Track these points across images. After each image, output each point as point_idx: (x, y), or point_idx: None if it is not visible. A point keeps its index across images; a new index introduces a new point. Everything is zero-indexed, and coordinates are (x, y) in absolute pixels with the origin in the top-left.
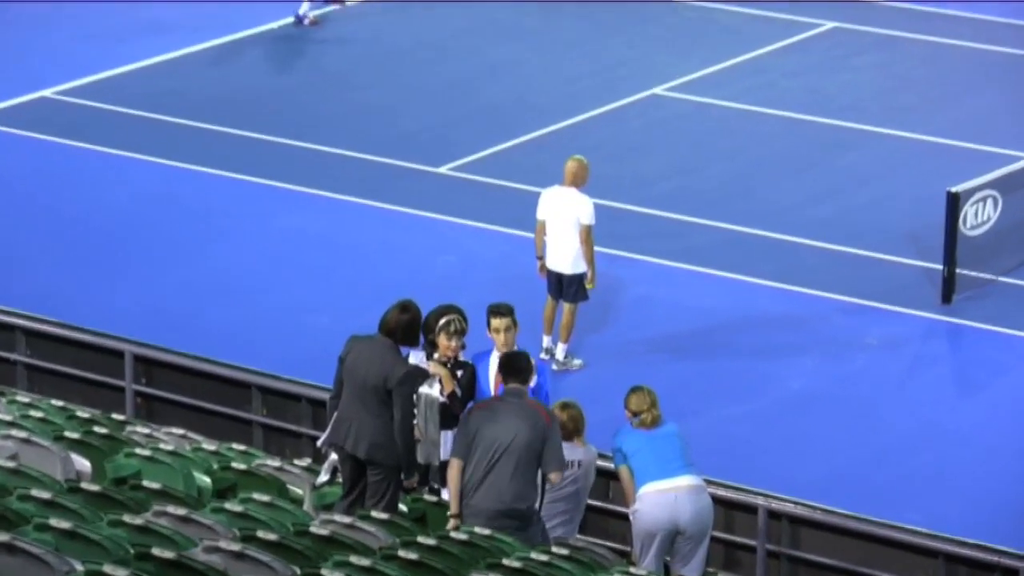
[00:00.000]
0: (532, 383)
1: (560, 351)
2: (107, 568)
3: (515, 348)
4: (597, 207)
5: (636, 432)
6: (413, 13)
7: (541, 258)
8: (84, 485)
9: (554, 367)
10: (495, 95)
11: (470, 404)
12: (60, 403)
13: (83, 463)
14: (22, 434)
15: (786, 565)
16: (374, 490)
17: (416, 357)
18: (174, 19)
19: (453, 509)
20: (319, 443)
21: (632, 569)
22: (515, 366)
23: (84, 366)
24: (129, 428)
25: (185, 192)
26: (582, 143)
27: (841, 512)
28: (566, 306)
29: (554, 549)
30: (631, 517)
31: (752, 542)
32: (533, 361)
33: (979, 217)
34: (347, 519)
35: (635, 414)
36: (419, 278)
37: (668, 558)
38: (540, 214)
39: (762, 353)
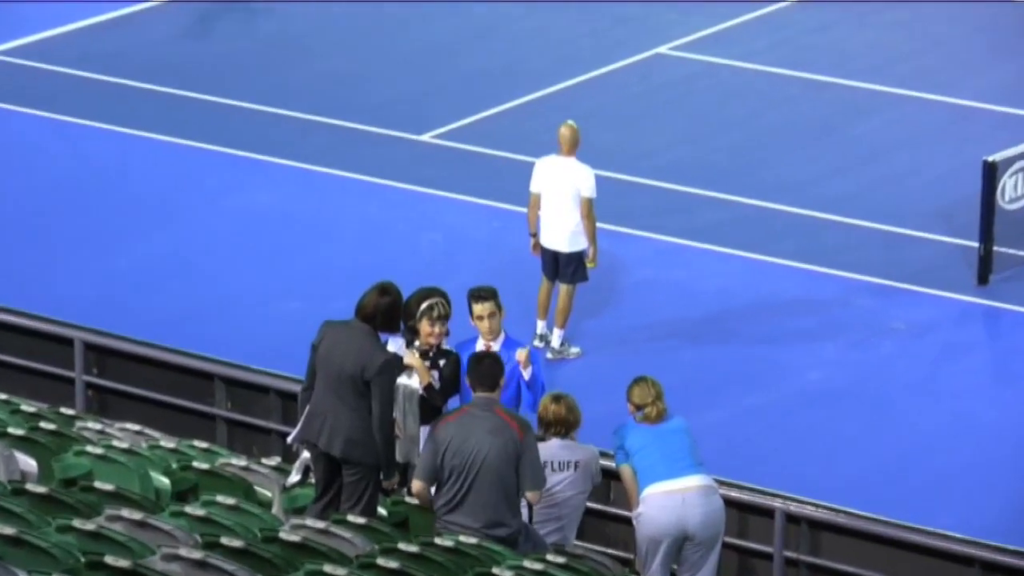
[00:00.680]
0: (502, 384)
1: (556, 338)
2: None
3: (502, 335)
4: (596, 179)
5: (640, 427)
6: None
7: (535, 235)
8: (29, 487)
9: (549, 355)
10: (481, 57)
11: (454, 402)
12: (2, 396)
13: (28, 462)
14: None
15: (805, 574)
16: (350, 492)
17: (395, 344)
18: None
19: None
20: (289, 440)
21: None
22: (482, 371)
23: (29, 355)
24: (79, 424)
25: (139, 162)
26: (578, 109)
27: (866, 515)
28: (563, 288)
29: (550, 557)
30: (634, 521)
31: (768, 549)
32: (503, 362)
33: (1019, 189)
34: (320, 524)
35: (638, 408)
36: (400, 258)
37: (675, 566)
38: (534, 186)
39: (778, 340)
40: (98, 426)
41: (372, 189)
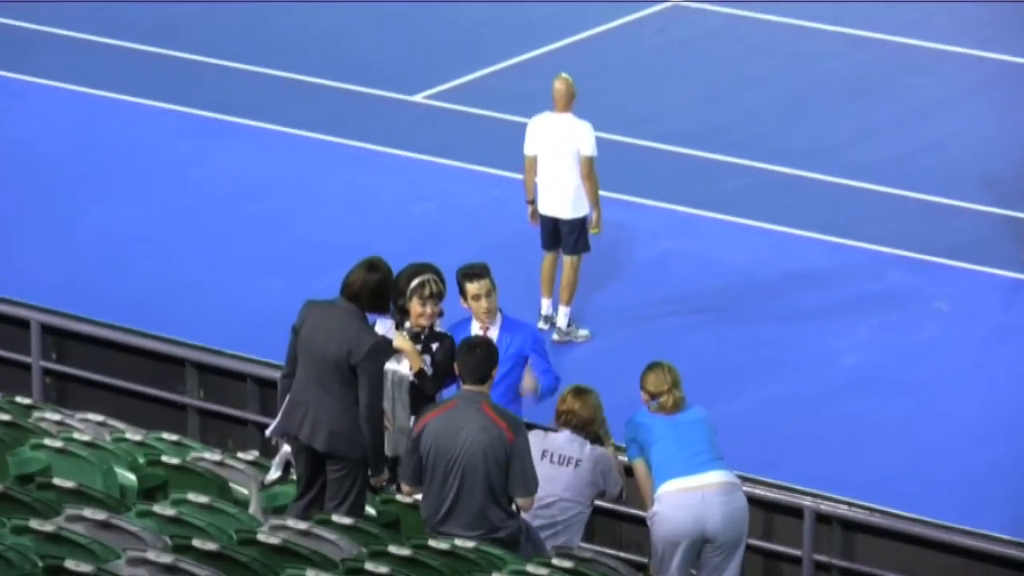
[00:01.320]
0: (494, 376)
1: (562, 316)
2: None
3: (499, 316)
4: (606, 144)
5: (654, 418)
6: None
7: (532, 202)
8: None
9: (555, 337)
10: (480, 9)
11: (445, 393)
12: None
13: None
14: None
15: None
16: (336, 489)
17: (383, 326)
18: None
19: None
20: (268, 432)
21: None
22: (472, 362)
23: None
24: (37, 414)
25: (104, 125)
26: (587, 66)
27: (904, 515)
28: (567, 260)
29: (555, 561)
30: (648, 521)
31: (797, 551)
32: (497, 353)
33: None
34: (303, 524)
35: (653, 396)
36: (390, 231)
37: (694, 571)
38: (529, 148)
39: (807, 322)
40: (57, 417)
41: (359, 155)
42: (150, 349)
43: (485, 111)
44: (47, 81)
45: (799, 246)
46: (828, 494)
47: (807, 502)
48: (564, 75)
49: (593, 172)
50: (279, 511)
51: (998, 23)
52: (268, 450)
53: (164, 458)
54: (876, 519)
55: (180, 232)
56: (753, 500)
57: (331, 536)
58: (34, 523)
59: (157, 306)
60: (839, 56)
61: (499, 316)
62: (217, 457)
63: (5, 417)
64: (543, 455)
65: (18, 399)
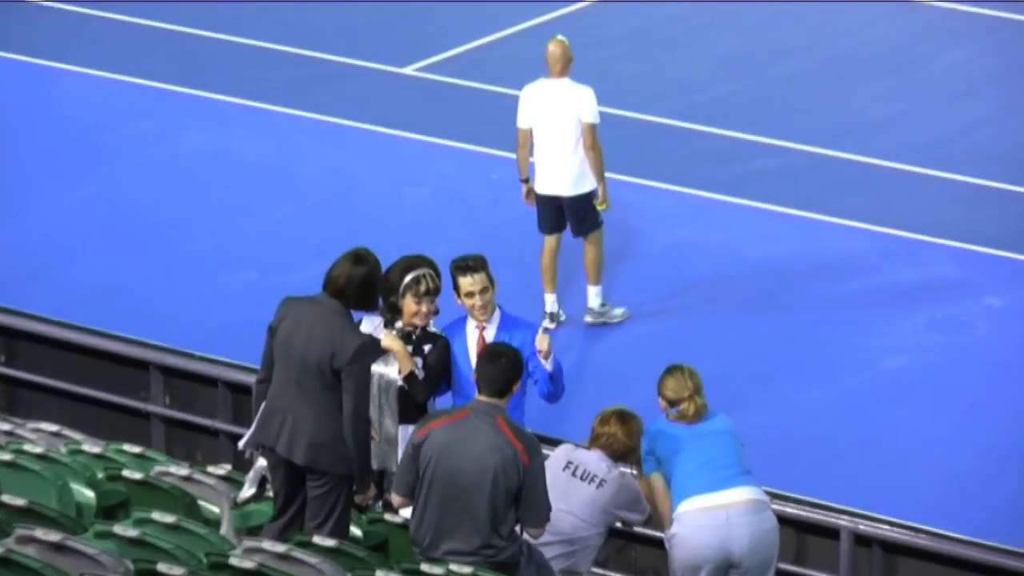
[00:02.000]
0: (515, 390)
1: (593, 296)
2: None
3: (497, 313)
4: (615, 121)
5: (673, 428)
6: None
7: (526, 180)
8: None
9: (588, 320)
10: None
11: (439, 399)
12: None
13: None
14: None
15: None
16: (317, 507)
17: (370, 325)
18: None
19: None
20: (241, 444)
21: None
22: (494, 371)
23: None
24: None
25: (56, 99)
26: (595, 34)
27: (952, 536)
28: (585, 242)
29: None
30: (666, 544)
31: None
32: (523, 358)
33: None
34: (280, 547)
35: (672, 403)
36: (378, 219)
37: None
38: (522, 119)
39: (844, 320)
40: (6, 426)
41: (344, 133)
42: (110, 351)
43: (484, 84)
44: None
45: (833, 235)
46: (868, 512)
47: (844, 522)
48: (559, 37)
49: (597, 141)
50: (254, 532)
51: None
52: (241, 464)
53: (126, 472)
54: (921, 540)
55: (143, 219)
56: (784, 519)
57: (312, 560)
58: None
59: (118, 302)
60: (876, 25)
61: (497, 313)
62: (185, 471)
63: None
64: (566, 466)
65: None
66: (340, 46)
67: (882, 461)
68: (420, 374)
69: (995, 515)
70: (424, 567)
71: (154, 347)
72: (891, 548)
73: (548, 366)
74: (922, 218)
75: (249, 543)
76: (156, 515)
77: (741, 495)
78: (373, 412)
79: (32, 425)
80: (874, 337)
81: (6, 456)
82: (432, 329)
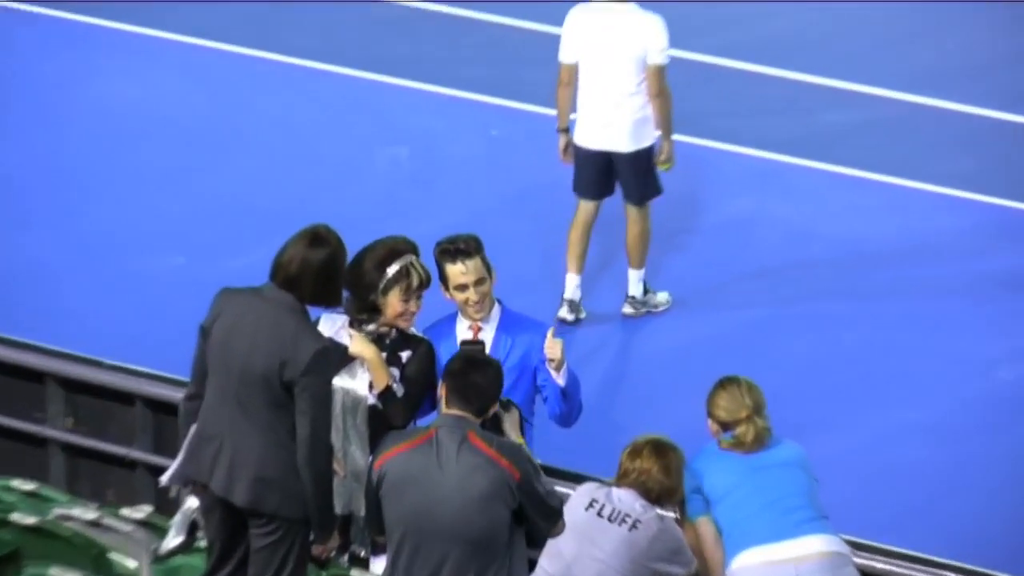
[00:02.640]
0: (493, 411)
1: (635, 282)
2: None
3: (495, 309)
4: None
5: (727, 458)
6: None
7: (566, 130)
8: None
9: (627, 311)
10: None
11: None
12: None
13: None
14: None
15: None
16: (264, 561)
17: (330, 325)
18: None
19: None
20: (165, 479)
21: None
22: (471, 384)
23: None
24: None
25: None
26: None
27: None
28: (632, 211)
29: None
30: None
31: None
32: (501, 368)
33: None
34: None
35: (725, 427)
36: (342, 187)
37: None
38: (567, 52)
39: (948, 317)
40: None
41: (297, 76)
42: None
43: (480, 14)
44: None
45: (932, 206)
46: (980, 569)
47: None
48: None
49: (666, 86)
50: None
51: None
52: (166, 505)
53: (15, 516)
54: None
55: (38, 188)
56: None
57: None
58: None
59: (4, 298)
60: None
61: (496, 309)
62: (92, 515)
63: None
64: (590, 504)
65: None
66: None
67: (997, 500)
68: (398, 389)
69: None
70: None
71: (52, 353)
72: None
73: (560, 379)
74: None
75: None
76: (54, 571)
77: (814, 546)
78: (336, 438)
79: None
80: (985, 340)
81: None
82: (413, 331)
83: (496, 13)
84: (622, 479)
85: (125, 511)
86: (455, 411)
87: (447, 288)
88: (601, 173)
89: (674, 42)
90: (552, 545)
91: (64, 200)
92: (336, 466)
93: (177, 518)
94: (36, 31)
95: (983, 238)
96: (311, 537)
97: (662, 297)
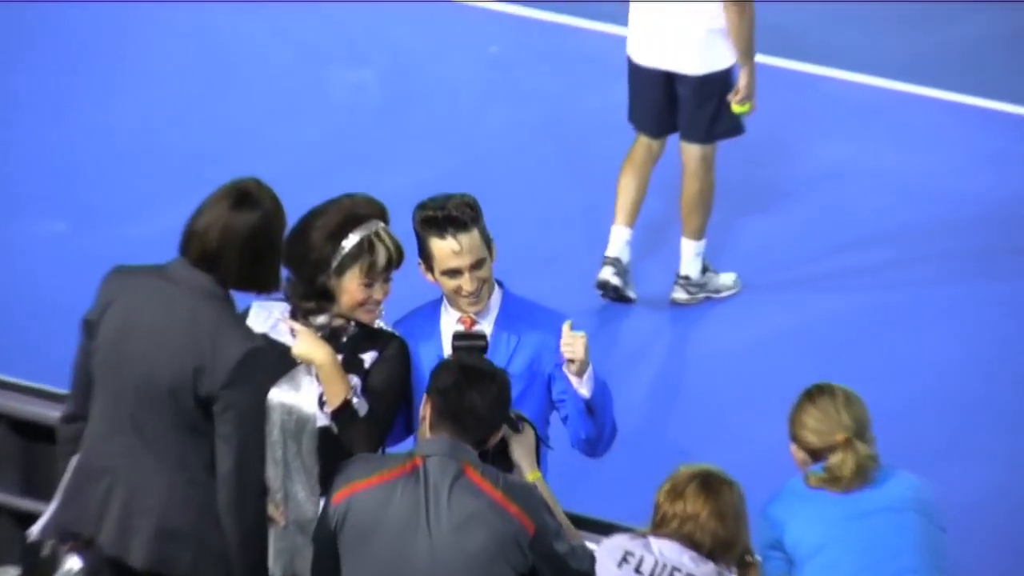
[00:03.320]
0: (496, 439)
1: (689, 259)
2: None
3: (496, 295)
4: None
5: (817, 501)
6: None
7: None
8: None
9: (679, 298)
10: None
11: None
12: None
13: None
14: None
15: None
16: None
17: (263, 317)
18: None
19: None
20: (35, 530)
21: None
22: (474, 399)
23: None
24: None
25: None
26: None
27: None
28: (691, 152)
29: None
30: None
31: None
32: (509, 381)
33: None
34: None
35: (815, 454)
36: (289, 124)
37: None
38: None
39: None
40: None
41: None
42: None
43: None
44: None
45: None
46: None
47: None
48: None
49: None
50: None
51: None
52: (37, 564)
53: None
54: None
55: None
56: None
57: None
58: None
59: None
60: None
61: (495, 296)
62: None
63: None
64: (624, 559)
65: None
66: None
67: None
68: (360, 405)
69: None
70: None
71: None
72: None
73: (584, 389)
74: None
75: None
76: None
77: None
78: (273, 473)
79: None
80: None
81: None
82: (379, 325)
83: None
84: (660, 528)
85: None
86: (441, 433)
87: (431, 271)
88: (660, 98)
89: None
90: None
91: None
92: (273, 512)
93: None
94: None
95: None
96: None
97: (726, 279)
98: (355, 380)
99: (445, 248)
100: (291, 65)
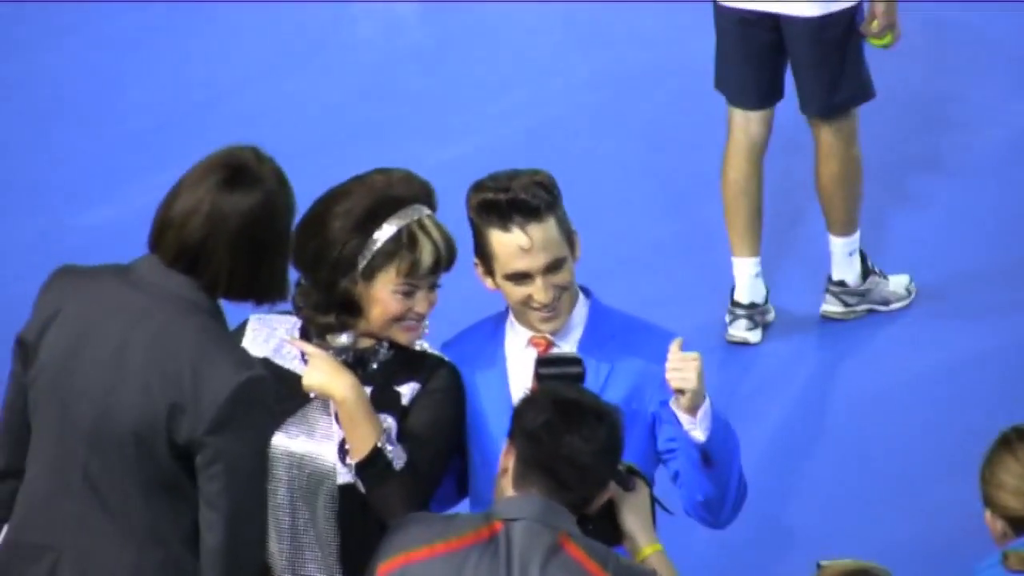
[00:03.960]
0: (602, 500)
1: (841, 258)
2: None
3: (580, 307)
4: None
5: None
6: None
7: None
8: None
9: (831, 311)
10: None
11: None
12: None
13: None
14: None
15: None
16: None
17: (264, 334)
18: None
19: None
20: None
21: None
22: (559, 450)
23: None
24: None
25: None
26: None
27: None
28: (824, 135)
29: None
30: None
31: None
32: (621, 423)
33: None
34: None
35: (1018, 524)
36: (299, 76)
37: None
38: None
39: None
40: None
41: None
42: None
43: None
44: None
45: None
46: None
47: None
48: None
49: None
50: None
51: None
52: None
53: None
54: None
55: None
56: None
57: None
58: None
59: None
60: None
61: (579, 308)
62: None
63: None
64: None
65: None
66: None
67: None
68: (395, 455)
69: None
70: None
71: None
72: None
73: (700, 431)
74: None
75: None
76: None
77: None
78: (278, 548)
79: None
80: None
81: None
82: (422, 347)
83: None
84: None
85: None
86: (537, 494)
87: (489, 273)
88: (767, 56)
89: None
90: None
91: None
92: None
93: None
94: None
95: None
96: None
97: (897, 285)
98: (389, 421)
99: (510, 244)
100: (311, 10)
